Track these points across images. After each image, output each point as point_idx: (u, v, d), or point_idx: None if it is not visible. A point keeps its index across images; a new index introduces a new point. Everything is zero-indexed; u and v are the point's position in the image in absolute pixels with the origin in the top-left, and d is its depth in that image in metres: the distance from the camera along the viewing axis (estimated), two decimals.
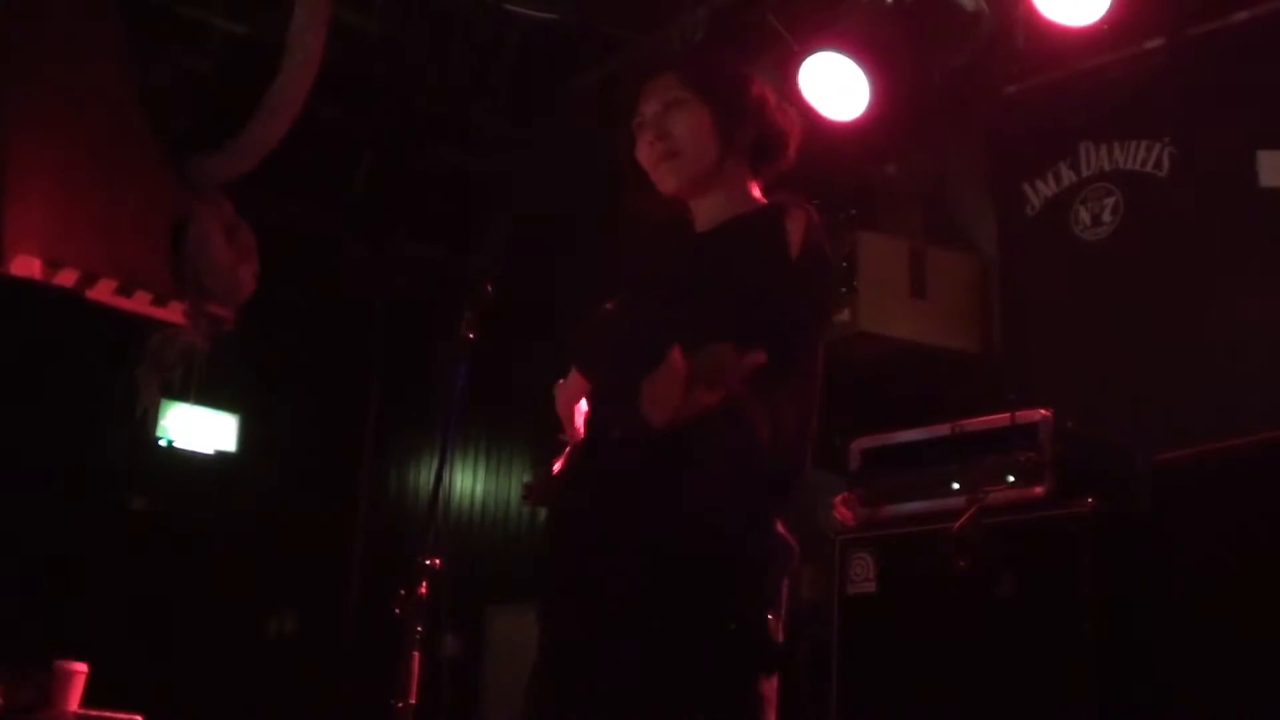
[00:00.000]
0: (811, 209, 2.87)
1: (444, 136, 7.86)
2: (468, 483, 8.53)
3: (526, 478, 7.89)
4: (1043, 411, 4.67)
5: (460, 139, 7.87)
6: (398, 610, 4.14)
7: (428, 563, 4.29)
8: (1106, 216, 6.01)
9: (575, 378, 3.15)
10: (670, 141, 2.96)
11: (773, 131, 3.07)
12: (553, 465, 3.11)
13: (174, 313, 7.08)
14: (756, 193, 3.05)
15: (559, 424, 3.16)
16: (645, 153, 3.01)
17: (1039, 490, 4.54)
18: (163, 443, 8.02)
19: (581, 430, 3.06)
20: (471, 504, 8.49)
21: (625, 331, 2.93)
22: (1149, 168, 5.92)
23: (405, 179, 8.05)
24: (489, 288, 3.63)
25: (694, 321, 2.66)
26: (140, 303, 6.95)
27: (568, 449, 3.08)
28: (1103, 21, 5.27)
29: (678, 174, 2.98)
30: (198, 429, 8.21)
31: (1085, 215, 6.08)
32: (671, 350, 2.39)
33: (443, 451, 5.44)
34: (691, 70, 3.06)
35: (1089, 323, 5.94)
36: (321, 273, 8.22)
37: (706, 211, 3.02)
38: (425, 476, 8.68)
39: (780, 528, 2.76)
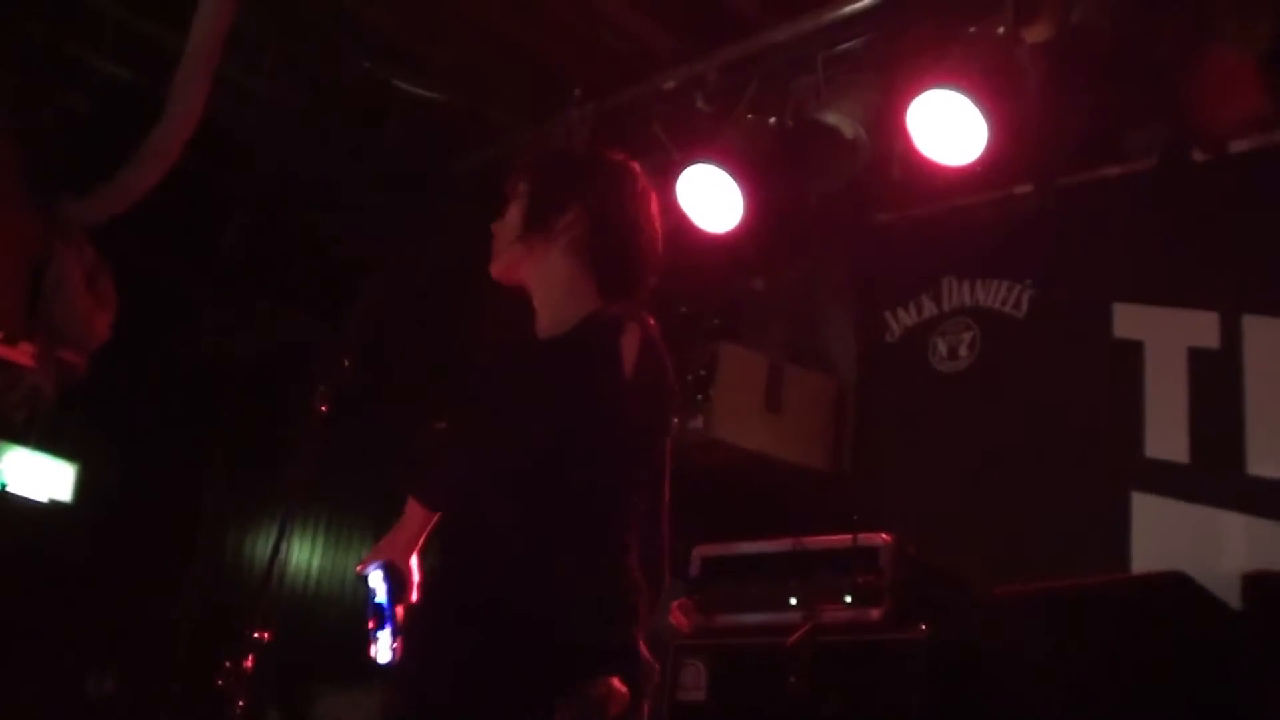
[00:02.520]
0: (648, 321, 2.80)
1: (318, 204, 7.81)
2: (305, 556, 8.40)
3: (365, 554, 7.81)
4: (885, 536, 4.72)
5: (334, 208, 7.82)
6: (220, 682, 4.05)
7: (256, 635, 4.21)
8: (963, 351, 6.13)
9: (413, 513, 3.12)
10: (496, 234, 3.04)
11: (610, 226, 2.97)
12: (373, 586, 3.13)
13: (23, 354, 6.91)
14: (596, 295, 2.95)
15: (400, 505, 3.14)
16: None
17: (876, 613, 4.58)
18: None
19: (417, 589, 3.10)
20: (308, 578, 8.36)
21: (449, 447, 2.97)
22: (1008, 307, 6.05)
23: (274, 242, 7.98)
24: (346, 363, 3.60)
25: (514, 444, 2.73)
26: None
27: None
28: (977, 163, 5.39)
29: (494, 259, 3.04)
30: (34, 475, 8.00)
31: (943, 347, 6.20)
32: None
33: (282, 523, 5.37)
34: (536, 164, 3.10)
35: (938, 452, 6.03)
36: (179, 328, 8.09)
37: (545, 314, 2.98)
38: (263, 545, 8.52)
39: (643, 650, 2.69)
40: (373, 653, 3.11)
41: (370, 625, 3.11)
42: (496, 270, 3.03)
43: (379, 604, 3.11)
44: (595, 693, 2.49)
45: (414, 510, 3.10)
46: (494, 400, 2.87)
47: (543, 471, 2.68)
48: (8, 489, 7.84)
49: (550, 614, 2.59)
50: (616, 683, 2.50)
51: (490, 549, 2.72)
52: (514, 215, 3.01)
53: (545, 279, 2.97)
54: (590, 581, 2.65)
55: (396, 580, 3.11)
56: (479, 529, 2.77)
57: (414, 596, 3.11)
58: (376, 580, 3.12)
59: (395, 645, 3.06)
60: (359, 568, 3.18)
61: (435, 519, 3.08)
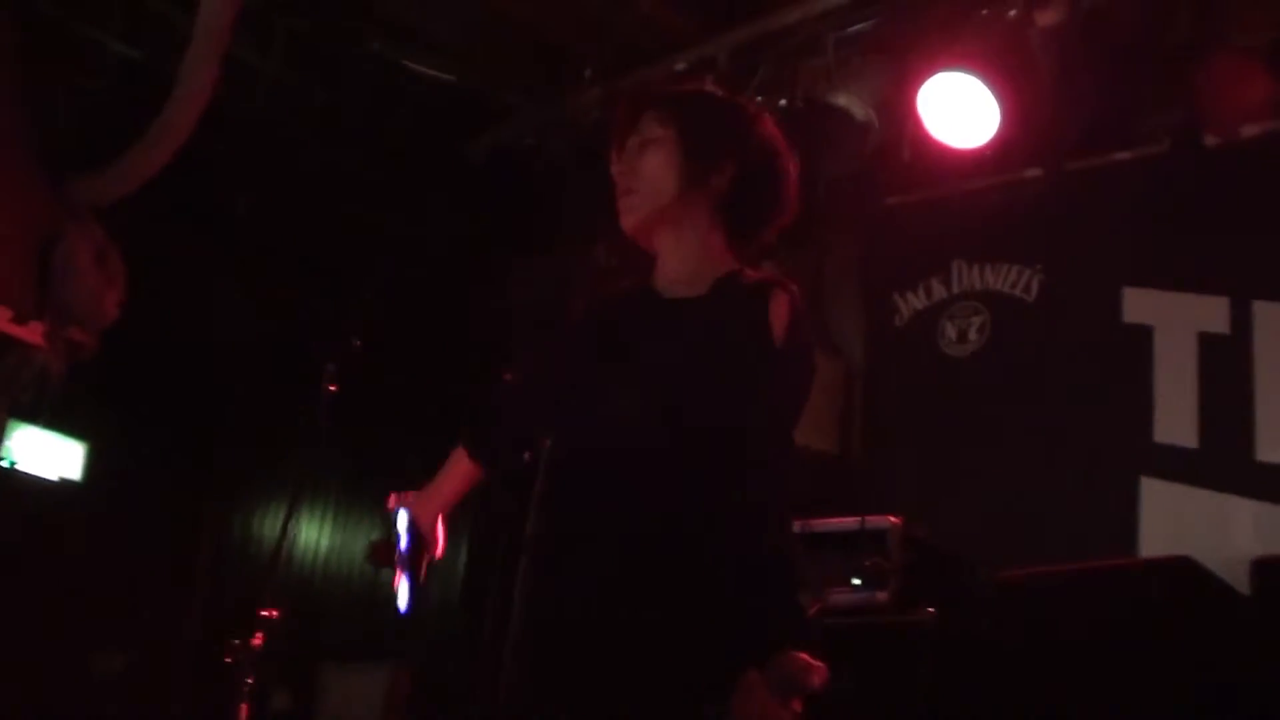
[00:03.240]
0: (794, 289, 2.73)
1: (328, 184, 7.81)
2: (314, 535, 8.41)
3: (374, 537, 7.81)
4: (893, 519, 4.72)
5: (344, 188, 7.82)
6: (229, 660, 4.06)
7: (265, 614, 4.23)
8: (973, 334, 6.13)
9: (456, 467, 3.08)
10: (629, 180, 2.79)
11: (758, 181, 2.86)
12: (398, 528, 3.10)
13: (33, 333, 6.92)
14: (725, 250, 2.85)
15: (416, 481, 3.14)
16: (617, 192, 2.83)
17: (883, 596, 4.59)
18: (5, 464, 7.82)
19: (442, 547, 3.08)
20: (315, 557, 8.37)
21: (598, 397, 2.74)
22: (1018, 291, 6.05)
23: (285, 221, 7.98)
24: (357, 343, 3.61)
25: (681, 404, 2.61)
26: None
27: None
28: (987, 146, 5.39)
29: (632, 213, 2.79)
30: (44, 453, 8.02)
31: (952, 331, 6.19)
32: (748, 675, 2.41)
33: (291, 502, 5.38)
34: (678, 108, 2.85)
35: (946, 436, 6.03)
36: (188, 307, 8.09)
37: (671, 271, 2.83)
38: (272, 525, 8.53)
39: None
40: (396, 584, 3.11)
41: (395, 565, 3.11)
42: (635, 224, 2.81)
43: (400, 550, 3.10)
44: (796, 665, 2.47)
45: (459, 462, 3.07)
46: (658, 357, 2.71)
47: (734, 434, 2.61)
48: (17, 467, 7.86)
49: (764, 576, 2.54)
50: (808, 657, 2.49)
51: (698, 501, 2.58)
52: (660, 166, 2.78)
53: (682, 234, 2.81)
54: (792, 548, 2.64)
55: (417, 535, 3.09)
56: (671, 478, 2.60)
57: (439, 552, 3.10)
58: (401, 525, 3.11)
59: (409, 597, 3.06)
60: (390, 503, 3.14)
61: (476, 475, 3.06)
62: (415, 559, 3.08)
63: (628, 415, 2.65)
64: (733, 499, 2.57)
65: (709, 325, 2.71)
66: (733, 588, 2.53)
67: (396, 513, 3.11)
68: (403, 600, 3.09)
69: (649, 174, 2.77)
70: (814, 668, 2.48)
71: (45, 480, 8.01)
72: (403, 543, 3.08)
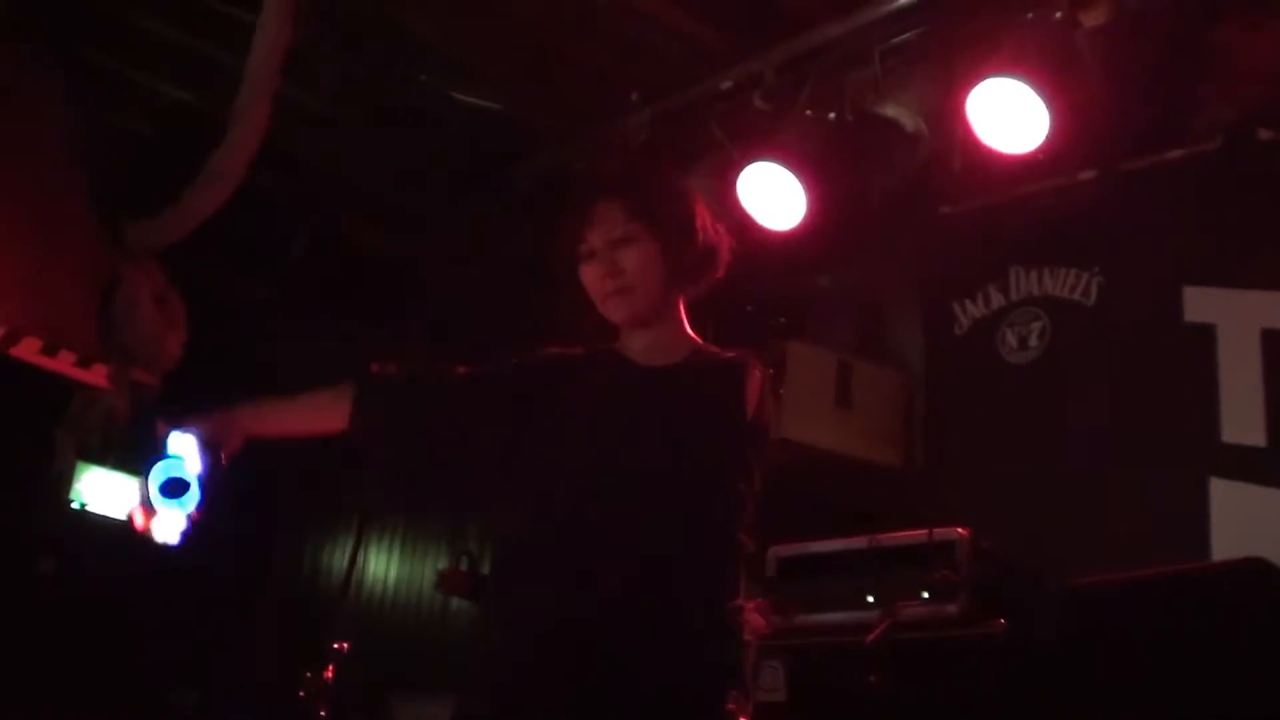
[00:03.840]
0: (763, 368, 2.95)
1: (380, 217, 7.86)
2: (381, 566, 8.45)
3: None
4: (960, 530, 4.69)
5: (396, 220, 7.88)
6: (302, 694, 4.09)
7: (336, 646, 4.25)
8: (1033, 341, 6.09)
9: (323, 404, 3.13)
10: (623, 278, 2.98)
11: (710, 254, 3.10)
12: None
13: (98, 375, 7.00)
14: (687, 323, 3.09)
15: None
16: (595, 285, 3.02)
17: (953, 609, 4.55)
18: (76, 506, 7.91)
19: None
20: (384, 588, 8.41)
21: (576, 459, 2.89)
22: (1077, 295, 6.00)
23: (338, 257, 8.04)
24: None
25: (659, 468, 2.79)
26: (64, 363, 6.86)
27: None
28: (1039, 151, 5.36)
29: (629, 308, 3.01)
30: (112, 494, 8.10)
31: (1012, 338, 6.16)
32: None
33: (358, 533, 5.41)
34: (639, 200, 3.04)
35: (1010, 444, 5.99)
36: (247, 345, 8.16)
37: (645, 343, 3.05)
38: (340, 557, 8.59)
39: None
40: (145, 524, 2.99)
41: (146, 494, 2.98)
42: (628, 317, 3.04)
43: (180, 478, 2.99)
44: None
45: (329, 403, 3.13)
46: (636, 420, 2.91)
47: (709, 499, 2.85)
48: (87, 508, 7.94)
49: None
50: None
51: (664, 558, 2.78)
52: (646, 267, 2.99)
53: (663, 317, 3.06)
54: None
55: (216, 456, 3.02)
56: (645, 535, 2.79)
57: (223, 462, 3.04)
58: (187, 447, 3.00)
59: (184, 525, 2.97)
60: (160, 426, 3.07)
61: (332, 426, 3.10)
62: (204, 485, 3.01)
63: (610, 477, 2.81)
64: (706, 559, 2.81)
65: (686, 392, 2.93)
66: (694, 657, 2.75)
67: (175, 435, 3.02)
68: (170, 533, 3.00)
69: (638, 273, 2.99)
70: None
71: (114, 520, 8.09)
72: (186, 468, 2.98)
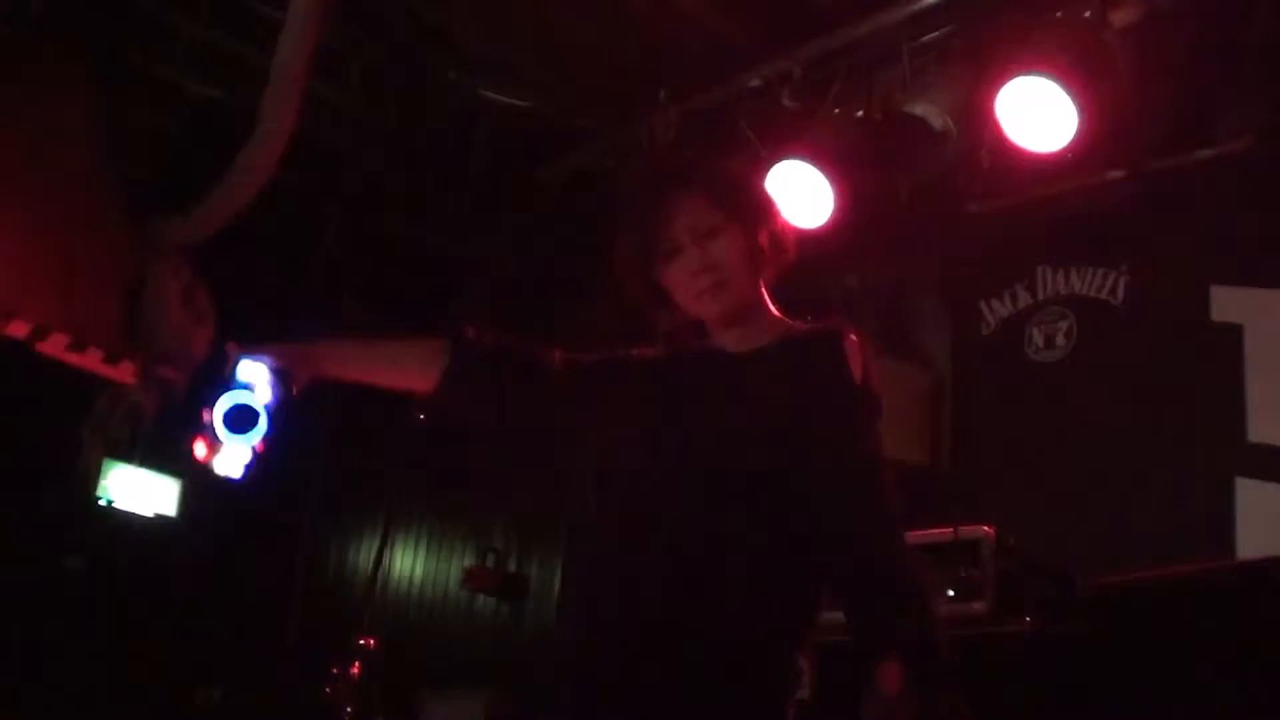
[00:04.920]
0: (857, 331, 2.85)
1: (408, 215, 7.87)
2: (408, 563, 8.47)
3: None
4: (985, 528, 4.68)
5: (425, 219, 7.89)
6: (328, 690, 4.09)
7: (362, 643, 4.25)
8: (1060, 340, 6.08)
9: (411, 355, 3.05)
10: (718, 272, 2.86)
11: (786, 235, 3.02)
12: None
13: (124, 372, 7.01)
14: (773, 305, 2.99)
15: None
16: (687, 283, 2.89)
17: (978, 607, 4.54)
18: (102, 502, 7.93)
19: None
20: (410, 585, 8.42)
21: (675, 445, 2.81)
22: (1104, 294, 5.99)
23: (366, 253, 8.05)
24: None
25: (773, 452, 2.71)
26: (92, 359, 6.88)
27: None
28: (1067, 150, 5.35)
29: (725, 302, 2.89)
30: (139, 491, 8.13)
31: (1039, 337, 6.15)
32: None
33: (385, 530, 5.42)
34: (719, 189, 2.94)
35: (1037, 443, 5.98)
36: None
37: (738, 334, 2.93)
38: (366, 554, 8.60)
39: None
40: (208, 456, 2.86)
41: (210, 418, 2.85)
42: (722, 311, 2.92)
43: (247, 408, 2.84)
44: None
45: (419, 356, 3.05)
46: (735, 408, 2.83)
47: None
48: (114, 505, 7.97)
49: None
50: None
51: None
52: (738, 258, 2.88)
53: (754, 302, 2.96)
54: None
55: (285, 385, 2.89)
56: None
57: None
58: (259, 375, 2.87)
59: (248, 459, 2.83)
60: (231, 352, 2.94)
61: (418, 383, 3.02)
62: (273, 417, 2.85)
63: (713, 473, 2.72)
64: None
65: (788, 372, 2.82)
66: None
67: (245, 363, 2.90)
68: (236, 468, 2.88)
69: (729, 265, 2.88)
70: None
71: (142, 518, 8.12)
72: (262, 397, 2.84)
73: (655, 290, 2.96)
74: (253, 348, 2.93)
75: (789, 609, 2.78)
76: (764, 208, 3.00)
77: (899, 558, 2.73)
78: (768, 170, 5.90)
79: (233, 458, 2.87)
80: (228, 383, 2.86)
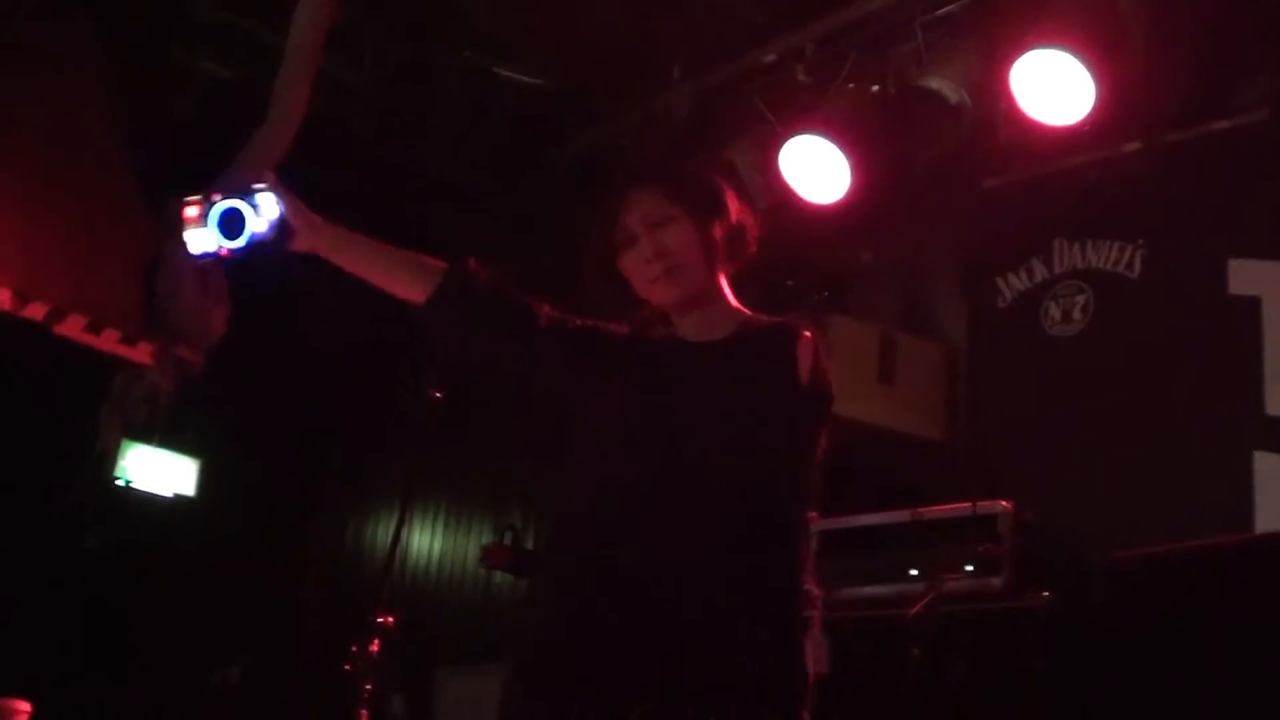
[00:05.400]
0: (814, 331, 2.92)
1: (423, 194, 7.87)
2: (425, 541, 8.49)
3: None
4: (1004, 503, 4.69)
5: (440, 198, 7.88)
6: (347, 666, 4.10)
7: (380, 620, 4.27)
8: (1077, 314, 6.06)
9: (409, 262, 3.17)
10: (670, 258, 2.98)
11: (742, 229, 3.11)
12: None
13: (142, 353, 7.04)
14: (734, 298, 3.09)
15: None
16: (641, 270, 3.02)
17: (997, 581, 4.56)
18: (121, 483, 7.97)
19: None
20: (429, 563, 8.45)
21: (629, 434, 2.91)
22: (1121, 268, 5.97)
23: (378, 233, 8.05)
24: None
25: (711, 443, 2.78)
26: (108, 341, 6.91)
27: None
28: (1083, 122, 5.33)
29: (679, 286, 3.00)
30: (157, 471, 8.16)
31: (1056, 311, 6.13)
32: None
33: (402, 508, 5.43)
34: (672, 185, 3.07)
35: (1054, 417, 5.97)
36: (292, 321, 8.19)
37: (695, 321, 3.05)
38: (383, 532, 8.63)
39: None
40: (189, 223, 2.99)
41: (215, 199, 2.99)
42: (677, 296, 3.02)
43: (242, 220, 2.99)
44: None
45: (418, 266, 3.17)
46: (691, 396, 2.90)
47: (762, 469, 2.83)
48: (132, 485, 8.00)
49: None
50: None
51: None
52: (689, 245, 3.00)
53: (709, 295, 3.05)
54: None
55: (282, 232, 3.02)
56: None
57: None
58: (268, 209, 3.01)
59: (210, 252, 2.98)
60: (266, 178, 3.08)
61: (409, 293, 3.12)
62: (261, 248, 3.01)
63: (661, 455, 2.81)
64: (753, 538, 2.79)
65: (736, 363, 2.93)
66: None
67: (267, 194, 3.03)
68: (197, 249, 3.02)
69: (681, 252, 3.00)
70: None
71: (160, 497, 8.16)
72: (258, 225, 2.99)
73: (617, 280, 3.08)
74: (284, 192, 3.06)
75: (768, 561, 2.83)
76: (716, 202, 3.09)
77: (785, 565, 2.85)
78: (779, 148, 5.90)
79: (201, 241, 3.01)
80: (245, 193, 3.01)
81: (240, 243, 3.00)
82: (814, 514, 2.97)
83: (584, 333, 3.11)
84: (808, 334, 2.90)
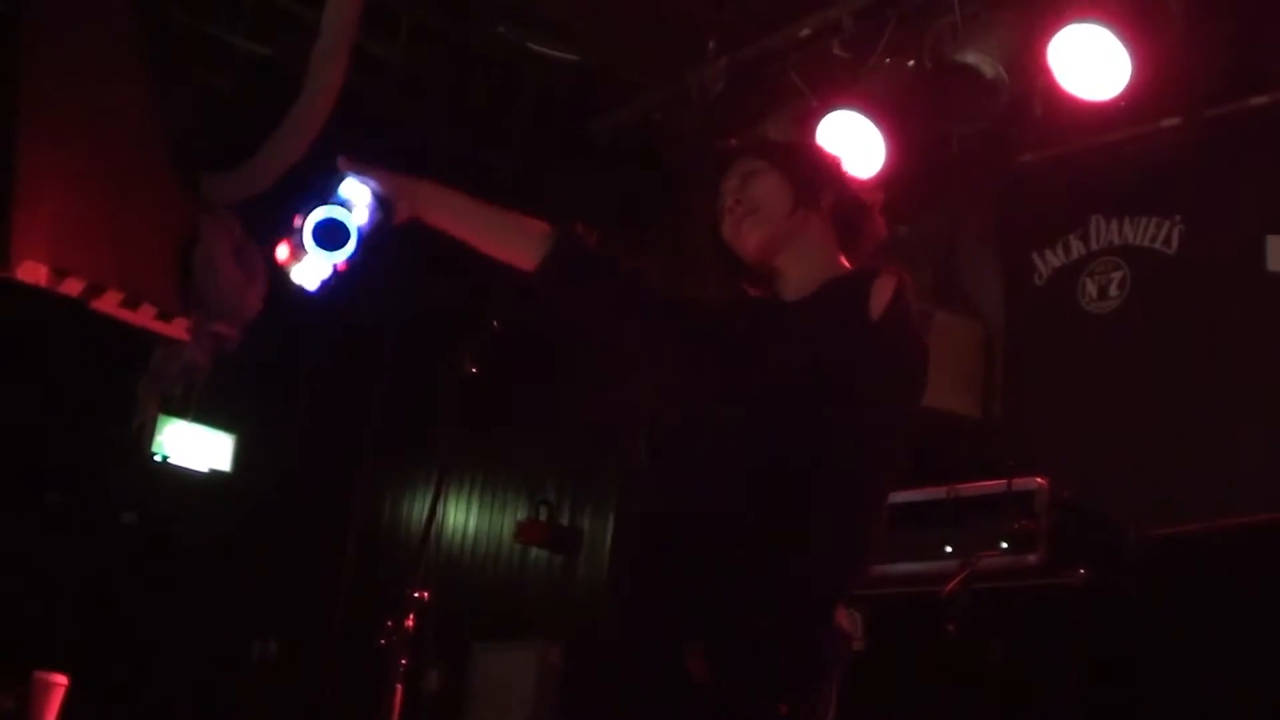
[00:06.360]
0: (904, 273, 2.82)
1: (458, 170, 7.88)
2: (460, 517, 8.51)
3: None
4: (1039, 480, 4.67)
5: (475, 173, 7.89)
6: (383, 642, 4.12)
7: (416, 595, 4.28)
8: (1113, 290, 6.03)
9: (520, 228, 3.09)
10: (750, 203, 2.96)
11: (850, 195, 3.05)
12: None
13: (178, 329, 7.07)
14: (839, 257, 3.01)
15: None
16: (729, 224, 3.00)
17: (1032, 558, 4.54)
18: (157, 458, 8.01)
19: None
20: (463, 539, 8.47)
21: (692, 401, 2.90)
22: (1158, 244, 5.94)
23: None
24: (496, 324, 3.63)
25: (760, 397, 2.75)
26: (145, 316, 6.94)
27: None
28: (1120, 98, 5.31)
29: (760, 231, 2.95)
30: (193, 446, 8.20)
31: (1092, 288, 6.10)
32: None
33: (438, 484, 5.44)
34: (765, 147, 3.10)
35: (1090, 394, 5.94)
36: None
37: (794, 278, 2.97)
38: (419, 508, 8.65)
39: (840, 618, 2.94)
40: (288, 261, 2.80)
41: (300, 225, 2.80)
42: (759, 241, 2.95)
43: (340, 225, 2.79)
44: None
45: (529, 231, 3.09)
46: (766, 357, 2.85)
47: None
48: (169, 460, 8.05)
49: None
50: None
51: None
52: (771, 188, 2.97)
53: (801, 247, 2.97)
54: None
55: (386, 213, 2.86)
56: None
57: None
58: (361, 195, 2.84)
59: (327, 275, 2.79)
60: (341, 164, 2.90)
61: (521, 257, 3.06)
62: (364, 241, 2.82)
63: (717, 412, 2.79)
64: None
65: (810, 318, 2.86)
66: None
67: (351, 181, 2.87)
68: (313, 280, 2.83)
69: (763, 196, 2.98)
70: None
71: (196, 472, 8.20)
72: (359, 218, 2.81)
73: (723, 250, 3.03)
74: (363, 167, 2.92)
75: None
76: (812, 158, 3.10)
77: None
78: (815, 123, 5.88)
79: (312, 270, 2.83)
80: (327, 195, 2.84)
81: (350, 248, 2.83)
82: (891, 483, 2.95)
83: (690, 305, 3.07)
84: (890, 277, 2.78)
